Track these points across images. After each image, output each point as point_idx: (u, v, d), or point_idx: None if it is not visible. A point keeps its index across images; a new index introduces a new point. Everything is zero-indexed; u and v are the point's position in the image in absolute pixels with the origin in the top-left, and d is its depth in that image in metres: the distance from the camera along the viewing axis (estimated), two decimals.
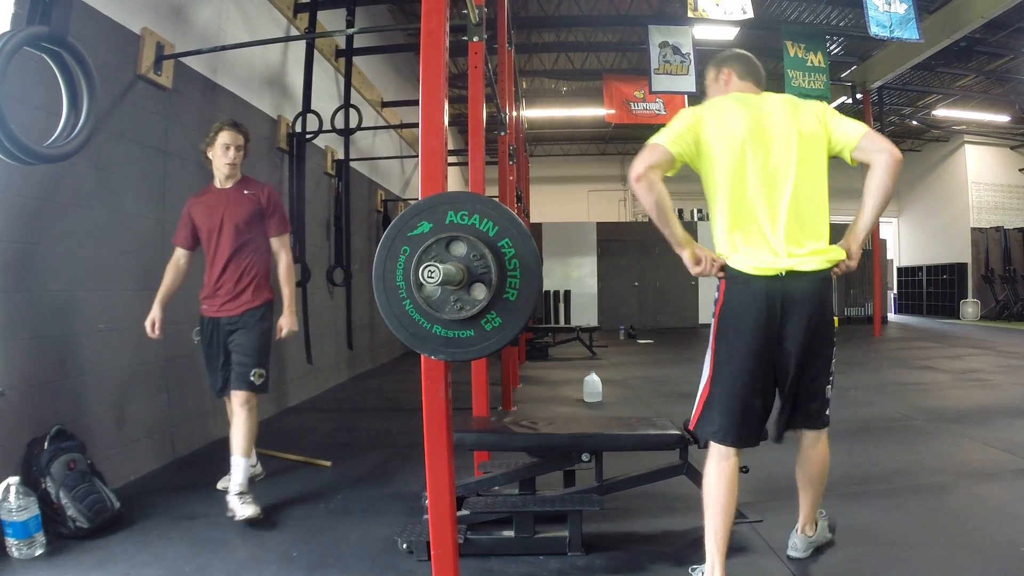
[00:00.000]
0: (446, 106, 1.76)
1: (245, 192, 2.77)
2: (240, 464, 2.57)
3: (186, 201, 2.81)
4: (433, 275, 1.43)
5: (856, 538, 2.25)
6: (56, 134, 2.32)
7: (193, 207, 2.77)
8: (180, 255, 2.82)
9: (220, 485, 2.85)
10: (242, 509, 2.45)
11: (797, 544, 2.11)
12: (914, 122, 13.55)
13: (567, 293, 12.29)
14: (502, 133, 4.58)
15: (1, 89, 2.00)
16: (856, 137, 1.83)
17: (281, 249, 2.85)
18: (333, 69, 5.99)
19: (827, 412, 1.95)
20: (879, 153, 1.80)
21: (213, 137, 2.72)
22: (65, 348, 2.72)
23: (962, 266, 13.85)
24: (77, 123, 2.33)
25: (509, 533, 2.22)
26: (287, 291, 2.83)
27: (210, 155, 2.75)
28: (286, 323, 2.82)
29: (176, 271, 2.81)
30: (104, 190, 2.96)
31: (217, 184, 2.77)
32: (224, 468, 2.75)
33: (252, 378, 2.66)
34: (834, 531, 2.22)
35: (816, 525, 2.14)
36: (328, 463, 3.26)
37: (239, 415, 2.65)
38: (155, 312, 2.73)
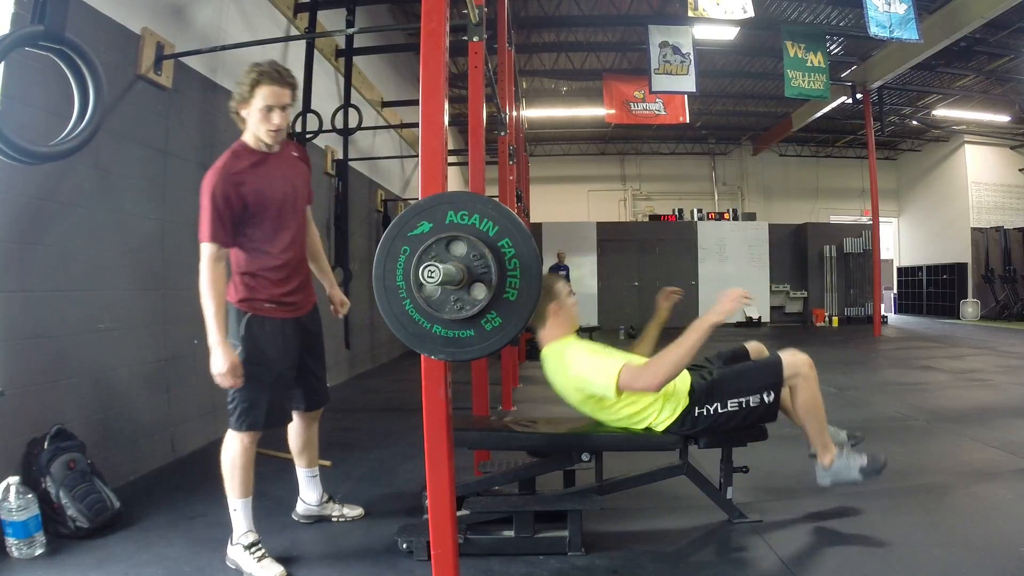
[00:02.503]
0: (446, 106, 1.75)
1: (294, 153, 2.27)
2: (316, 474, 2.56)
3: (199, 182, 2.01)
4: (433, 275, 1.43)
5: (856, 538, 2.25)
6: (64, 132, 2.32)
7: (242, 183, 2.02)
8: (222, 256, 2.02)
9: (300, 512, 2.57)
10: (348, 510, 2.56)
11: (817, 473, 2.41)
12: (914, 122, 13.55)
13: None
14: (502, 133, 4.58)
15: None
16: None
17: (312, 219, 2.41)
18: (333, 69, 5.99)
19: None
20: None
21: (248, 92, 2.02)
22: (65, 348, 2.72)
23: (962, 266, 13.86)
24: (82, 120, 2.33)
25: (509, 533, 2.22)
26: (328, 266, 2.55)
27: (244, 114, 2.08)
28: (343, 297, 2.52)
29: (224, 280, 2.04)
30: (104, 190, 2.96)
31: (263, 148, 2.14)
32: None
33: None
34: (879, 470, 2.38)
35: (835, 455, 2.37)
36: (328, 463, 3.25)
37: (313, 429, 2.55)
38: (232, 355, 1.98)
